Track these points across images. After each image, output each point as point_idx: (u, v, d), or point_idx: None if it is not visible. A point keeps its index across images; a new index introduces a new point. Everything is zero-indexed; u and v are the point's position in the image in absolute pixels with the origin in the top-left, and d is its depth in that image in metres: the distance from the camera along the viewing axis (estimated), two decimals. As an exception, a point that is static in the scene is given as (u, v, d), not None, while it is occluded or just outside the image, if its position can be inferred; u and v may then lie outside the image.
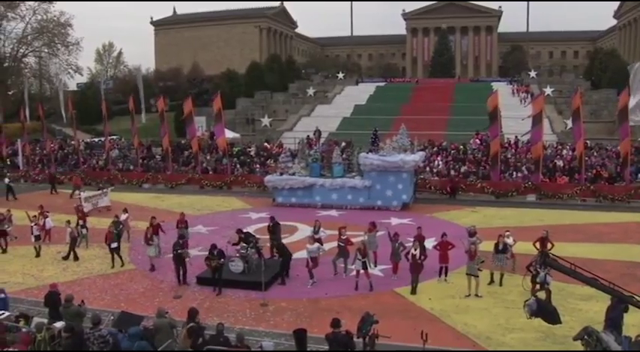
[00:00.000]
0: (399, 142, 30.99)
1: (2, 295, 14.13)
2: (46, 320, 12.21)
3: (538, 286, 14.05)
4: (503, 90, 51.26)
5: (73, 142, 48.94)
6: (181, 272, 18.53)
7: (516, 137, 41.12)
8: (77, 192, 33.31)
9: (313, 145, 39.18)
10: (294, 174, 31.98)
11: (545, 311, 11.97)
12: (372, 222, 20.54)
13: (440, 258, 18.31)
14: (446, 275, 18.38)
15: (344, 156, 33.39)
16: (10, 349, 10.54)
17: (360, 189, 30.59)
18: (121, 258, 20.85)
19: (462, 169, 36.60)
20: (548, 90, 60.58)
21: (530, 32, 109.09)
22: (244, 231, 20.54)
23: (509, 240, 18.60)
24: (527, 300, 11.98)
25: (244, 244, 19.08)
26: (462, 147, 40.72)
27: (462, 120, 52.67)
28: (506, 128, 44.58)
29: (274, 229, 20.92)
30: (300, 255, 19.61)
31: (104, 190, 32.44)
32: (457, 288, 17.47)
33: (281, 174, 32.38)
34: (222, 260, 17.69)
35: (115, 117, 68.76)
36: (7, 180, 36.47)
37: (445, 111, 58.47)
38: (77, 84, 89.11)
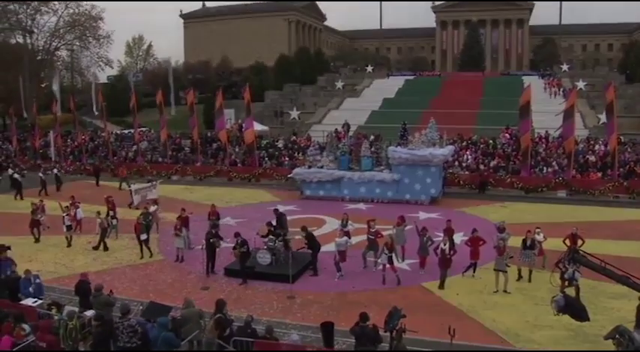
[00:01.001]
0: (428, 136, 30.76)
1: (38, 280, 14.41)
2: (77, 309, 12.40)
3: (567, 283, 13.82)
4: (534, 84, 50.35)
5: (103, 134, 49.52)
6: (210, 263, 18.72)
7: (547, 132, 40.51)
8: (124, 184, 33.55)
9: (342, 138, 39.12)
10: (322, 167, 31.97)
11: (574, 308, 11.70)
12: (401, 215, 20.48)
13: (470, 254, 18.10)
14: (474, 272, 18.20)
15: (372, 149, 33.24)
16: (38, 340, 10.60)
17: (389, 183, 30.51)
18: (149, 249, 21.11)
19: (492, 164, 36.25)
20: (580, 84, 59.44)
21: (563, 25, 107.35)
22: (273, 224, 20.64)
23: (540, 237, 18.30)
24: (554, 296, 11.78)
25: (272, 236, 19.18)
26: (491, 141, 40.31)
27: (491, 115, 52.02)
28: (537, 123, 43.67)
29: (280, 221, 20.63)
30: (327, 248, 19.62)
31: (153, 183, 32.16)
32: (485, 284, 17.32)
33: (309, 167, 32.42)
34: (246, 247, 17.76)
35: (144, 109, 69.46)
36: (55, 171, 36.86)
37: (475, 106, 57.80)
38: (107, 76, 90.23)
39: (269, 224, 20.30)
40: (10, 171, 36.76)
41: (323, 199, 31.22)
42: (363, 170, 31.19)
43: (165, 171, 41.08)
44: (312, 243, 18.75)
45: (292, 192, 33.65)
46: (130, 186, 30.55)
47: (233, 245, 18.17)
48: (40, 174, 34.91)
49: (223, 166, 40.22)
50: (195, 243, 21.02)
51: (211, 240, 18.53)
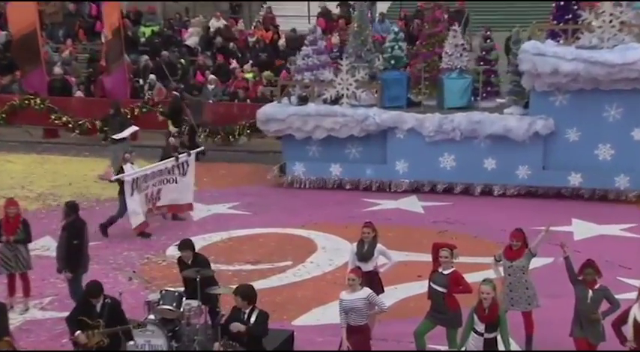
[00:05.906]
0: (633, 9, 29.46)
1: None
2: None
3: None
4: None
5: None
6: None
7: None
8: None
9: (377, 20, 41.97)
10: (336, 100, 31.07)
11: None
12: (517, 231, 18.32)
13: None
14: None
15: (473, 49, 32.79)
16: None
17: (521, 143, 29.23)
18: None
19: None
20: None
21: None
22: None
23: None
24: None
25: (168, 290, 18.63)
26: None
27: None
28: None
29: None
30: (324, 317, 19.91)
31: (180, 156, 29.30)
32: None
33: (301, 100, 31.33)
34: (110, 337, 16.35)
35: None
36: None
37: None
38: None
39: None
40: None
41: (344, 187, 31.28)
42: (449, 107, 30.46)
43: None
44: (259, 326, 16.59)
45: (252, 167, 35.24)
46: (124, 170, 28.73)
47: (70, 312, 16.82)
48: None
49: (30, 100, 40.46)
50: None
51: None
